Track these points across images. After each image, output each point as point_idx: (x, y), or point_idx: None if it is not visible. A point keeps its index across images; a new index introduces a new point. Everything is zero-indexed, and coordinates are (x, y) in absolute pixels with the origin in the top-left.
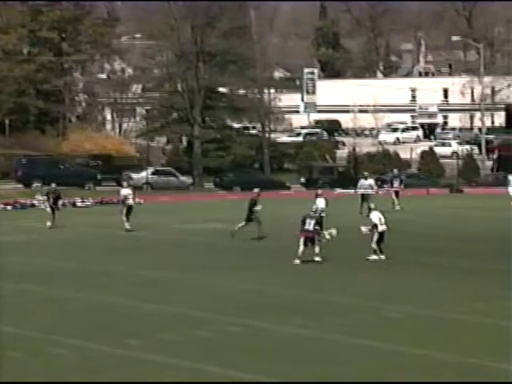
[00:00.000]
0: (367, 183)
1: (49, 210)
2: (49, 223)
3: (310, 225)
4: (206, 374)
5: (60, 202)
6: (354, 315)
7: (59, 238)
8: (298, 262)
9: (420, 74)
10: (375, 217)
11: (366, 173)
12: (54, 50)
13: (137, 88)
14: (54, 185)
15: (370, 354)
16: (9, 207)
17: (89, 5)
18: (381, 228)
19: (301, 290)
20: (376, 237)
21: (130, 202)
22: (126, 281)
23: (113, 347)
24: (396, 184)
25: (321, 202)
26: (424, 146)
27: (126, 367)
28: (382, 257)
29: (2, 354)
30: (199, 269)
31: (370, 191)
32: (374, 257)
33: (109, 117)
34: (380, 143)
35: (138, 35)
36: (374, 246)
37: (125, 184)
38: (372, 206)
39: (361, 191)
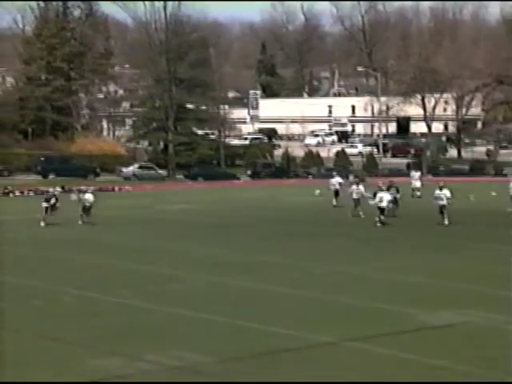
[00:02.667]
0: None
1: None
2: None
3: None
4: (177, 316)
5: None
6: (289, 272)
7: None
8: None
9: (335, 95)
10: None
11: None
12: (65, 76)
13: (126, 105)
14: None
15: (299, 300)
16: (31, 193)
17: (91, 43)
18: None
19: (250, 254)
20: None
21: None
22: (122, 249)
23: (111, 296)
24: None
25: None
26: (338, 147)
27: (119, 312)
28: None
29: (26, 303)
30: (175, 239)
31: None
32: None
33: (105, 126)
34: (306, 145)
35: (126, 65)
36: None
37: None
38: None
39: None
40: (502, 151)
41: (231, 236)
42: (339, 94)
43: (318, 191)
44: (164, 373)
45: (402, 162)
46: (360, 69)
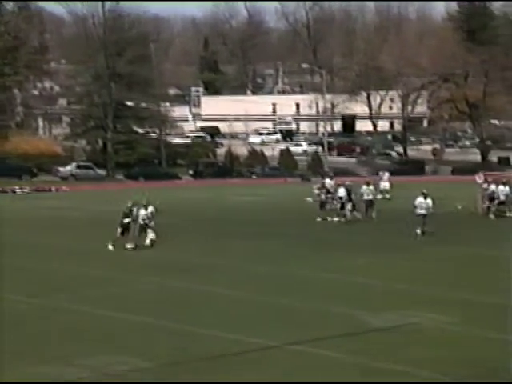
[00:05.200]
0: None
1: None
2: None
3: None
4: (120, 319)
5: None
6: (231, 274)
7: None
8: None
9: (279, 92)
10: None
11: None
12: None
13: (63, 102)
14: None
15: (242, 302)
16: None
17: (25, 37)
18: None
19: (189, 255)
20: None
21: None
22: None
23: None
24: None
25: None
26: (282, 146)
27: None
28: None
29: None
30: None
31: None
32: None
33: (41, 124)
34: (249, 144)
35: (63, 61)
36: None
37: None
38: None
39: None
40: (448, 150)
41: (171, 237)
42: (283, 92)
43: (309, 199)
44: (99, 379)
45: (347, 160)
46: (305, 66)
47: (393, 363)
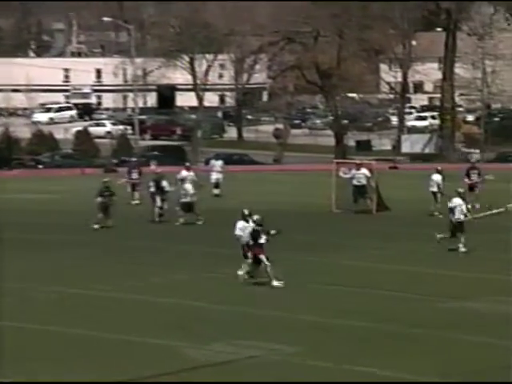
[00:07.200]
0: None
1: None
2: None
3: None
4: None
5: None
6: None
7: None
8: None
9: (73, 54)
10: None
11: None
12: None
13: None
14: None
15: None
16: None
17: None
18: None
19: None
20: None
21: None
22: None
23: None
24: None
25: None
26: (79, 126)
27: None
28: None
29: None
30: None
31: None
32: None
33: None
34: (34, 123)
35: None
36: None
37: None
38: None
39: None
40: (294, 131)
41: None
42: (79, 54)
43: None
44: None
45: (165, 144)
46: (107, 19)
47: None
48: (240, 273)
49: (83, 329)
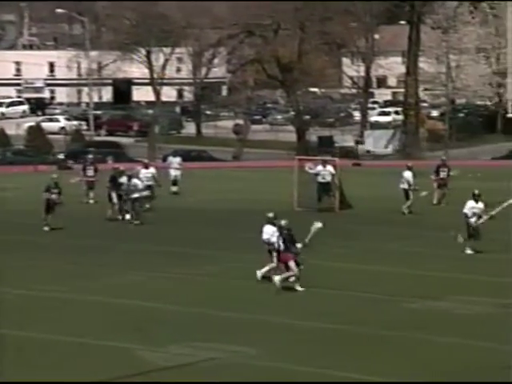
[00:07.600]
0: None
1: None
2: None
3: None
4: None
5: None
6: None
7: None
8: None
9: (24, 47)
10: None
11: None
12: None
13: None
14: None
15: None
16: None
17: None
18: None
19: None
20: None
21: None
22: None
23: None
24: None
25: None
26: (31, 121)
27: None
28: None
29: None
30: None
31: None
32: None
33: None
34: None
35: None
36: None
37: None
38: None
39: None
40: (254, 127)
41: None
42: (31, 47)
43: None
44: None
45: (121, 141)
46: (60, 11)
47: None
48: (277, 278)
49: (35, 331)
